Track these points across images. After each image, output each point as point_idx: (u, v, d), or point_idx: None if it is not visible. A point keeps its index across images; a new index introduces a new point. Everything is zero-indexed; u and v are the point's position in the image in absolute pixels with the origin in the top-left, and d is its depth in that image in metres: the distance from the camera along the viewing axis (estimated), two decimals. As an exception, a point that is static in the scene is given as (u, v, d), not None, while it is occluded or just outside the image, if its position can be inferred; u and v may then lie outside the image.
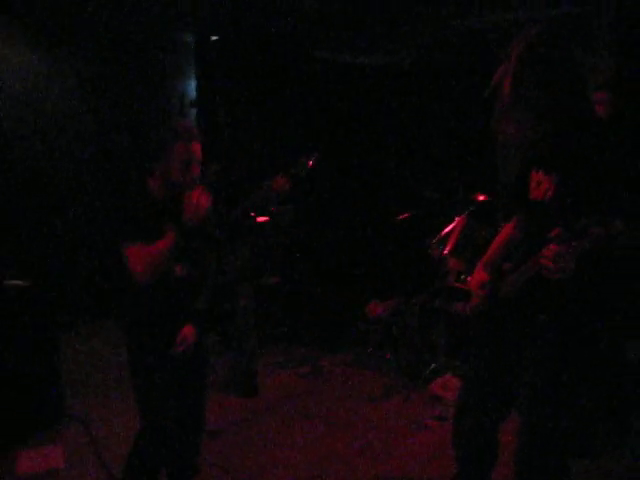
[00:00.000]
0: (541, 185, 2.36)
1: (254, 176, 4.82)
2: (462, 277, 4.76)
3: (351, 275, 6.63)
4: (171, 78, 7.20)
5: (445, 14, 5.55)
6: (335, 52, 6.76)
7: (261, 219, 6.05)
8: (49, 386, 4.37)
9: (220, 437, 4.23)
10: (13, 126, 5.84)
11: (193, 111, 7.06)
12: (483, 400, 2.63)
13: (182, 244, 2.80)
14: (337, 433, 4.26)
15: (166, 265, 2.84)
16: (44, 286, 4.48)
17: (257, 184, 4.73)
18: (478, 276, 2.69)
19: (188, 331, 3.01)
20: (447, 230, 4.93)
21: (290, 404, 4.76)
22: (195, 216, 2.74)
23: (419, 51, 6.44)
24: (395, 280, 6.24)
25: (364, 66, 7.01)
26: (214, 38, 6.90)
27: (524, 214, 2.57)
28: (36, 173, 6.02)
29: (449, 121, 6.37)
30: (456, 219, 4.94)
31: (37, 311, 4.35)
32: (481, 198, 4.99)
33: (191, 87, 7.26)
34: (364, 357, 5.61)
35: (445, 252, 4.81)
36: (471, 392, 2.71)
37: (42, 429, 4.24)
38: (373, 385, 5.05)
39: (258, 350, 5.17)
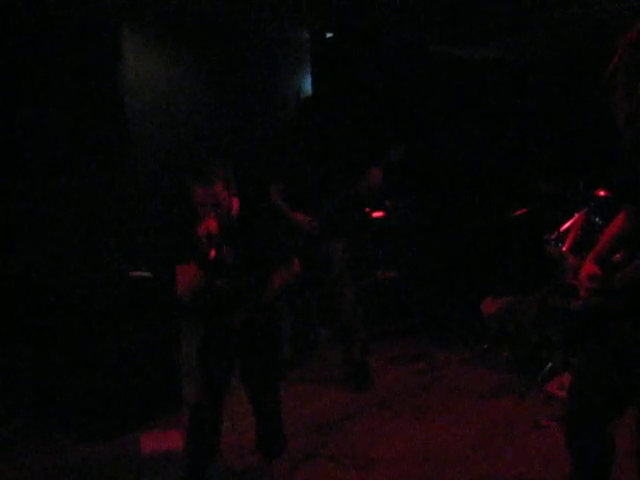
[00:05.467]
0: None
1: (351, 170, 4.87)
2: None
3: (467, 271, 6.55)
4: (288, 75, 7.31)
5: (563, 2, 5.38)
6: (450, 46, 6.69)
7: (377, 214, 6.09)
8: (168, 373, 4.54)
9: (334, 430, 4.28)
10: (143, 133, 6.04)
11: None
12: (596, 398, 2.54)
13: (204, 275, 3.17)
14: (450, 430, 4.23)
15: (197, 288, 3.25)
16: (166, 277, 4.65)
17: (351, 178, 4.79)
18: (588, 269, 2.58)
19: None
20: (566, 226, 4.80)
21: (404, 399, 4.76)
22: (206, 245, 3.05)
23: (535, 43, 6.29)
24: (512, 277, 6.13)
25: (480, 60, 6.91)
26: (329, 35, 6.96)
27: (635, 205, 2.45)
28: (161, 175, 6.21)
29: (570, 113, 6.19)
30: (576, 215, 4.80)
31: (159, 301, 4.53)
32: (602, 194, 4.82)
33: (307, 83, 7.35)
34: (480, 354, 5.54)
35: (564, 249, 4.69)
36: (583, 389, 2.61)
37: (160, 414, 4.43)
38: (489, 383, 4.98)
39: (372, 344, 5.20)
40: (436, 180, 6.80)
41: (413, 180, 6.46)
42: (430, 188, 6.77)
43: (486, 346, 5.57)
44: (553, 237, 4.81)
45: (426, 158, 6.57)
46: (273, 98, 7.14)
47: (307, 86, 7.33)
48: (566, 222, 4.82)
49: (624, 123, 2.22)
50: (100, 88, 5.21)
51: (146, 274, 4.53)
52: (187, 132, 6.36)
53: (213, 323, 3.35)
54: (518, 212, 5.36)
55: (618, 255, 2.53)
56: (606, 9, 5.27)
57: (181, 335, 4.62)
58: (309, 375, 5.26)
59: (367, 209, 5.73)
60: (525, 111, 6.67)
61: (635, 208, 2.49)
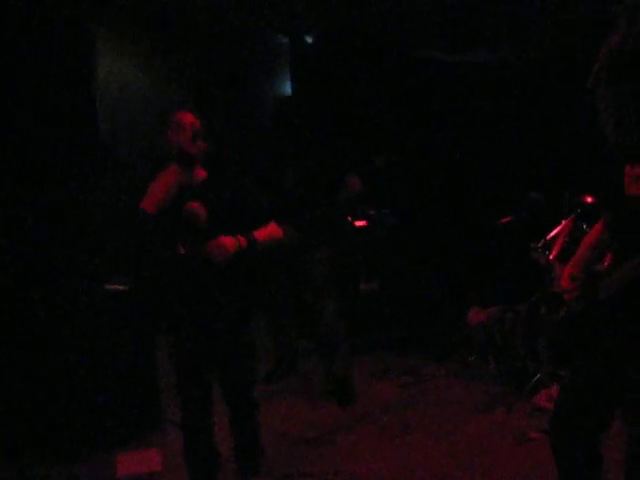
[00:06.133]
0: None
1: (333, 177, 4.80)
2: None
3: (453, 281, 6.48)
4: (267, 79, 7.27)
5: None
6: (435, 50, 6.65)
7: (359, 223, 6.00)
8: (147, 390, 4.43)
9: (314, 446, 4.20)
10: (113, 136, 5.96)
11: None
12: (583, 410, 2.51)
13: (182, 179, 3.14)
14: (437, 444, 4.15)
15: (166, 197, 3.12)
16: (143, 290, 4.54)
17: (334, 186, 4.72)
18: (568, 270, 2.64)
19: (226, 240, 3.06)
20: (553, 234, 4.74)
21: (389, 414, 4.67)
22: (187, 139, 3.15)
23: (523, 46, 6.26)
24: (498, 286, 6.06)
25: (465, 64, 6.86)
26: (309, 40, 6.93)
27: (617, 212, 2.44)
28: (135, 181, 6.12)
29: (554, 119, 6.15)
30: (563, 222, 4.75)
31: (136, 315, 4.43)
32: (589, 200, 4.77)
33: (286, 89, 7.31)
34: (466, 366, 5.47)
35: (551, 257, 4.63)
36: (570, 401, 2.58)
37: (140, 433, 4.31)
38: (476, 395, 4.91)
39: (355, 358, 5.11)
40: (420, 188, 6.73)
41: (397, 188, 6.39)
42: (414, 196, 6.69)
43: (472, 358, 5.51)
44: (540, 245, 4.76)
45: (410, 165, 6.50)
46: (251, 102, 7.11)
47: (287, 90, 7.30)
48: (553, 230, 4.77)
49: (607, 126, 2.21)
50: (73, 92, 5.11)
51: (121, 287, 4.41)
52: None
53: (188, 324, 3.22)
54: (504, 220, 5.30)
55: (605, 264, 2.52)
56: (592, 14, 5.23)
57: (158, 350, 4.52)
58: (290, 389, 5.16)
59: (349, 218, 5.63)
60: (511, 118, 6.62)
61: (614, 215, 2.48)
